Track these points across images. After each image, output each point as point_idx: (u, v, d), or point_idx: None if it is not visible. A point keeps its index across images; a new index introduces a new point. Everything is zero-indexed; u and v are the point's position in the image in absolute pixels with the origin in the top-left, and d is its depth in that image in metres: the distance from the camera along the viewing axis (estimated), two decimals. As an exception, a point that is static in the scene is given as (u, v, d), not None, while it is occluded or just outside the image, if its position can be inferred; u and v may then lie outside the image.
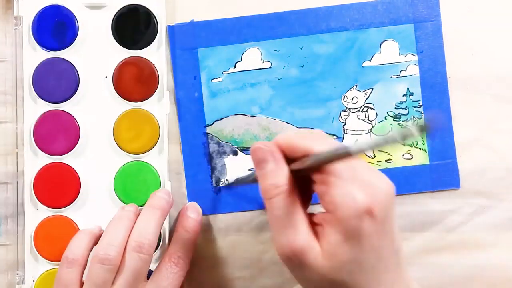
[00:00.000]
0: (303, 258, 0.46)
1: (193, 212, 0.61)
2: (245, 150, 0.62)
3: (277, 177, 0.47)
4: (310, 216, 0.48)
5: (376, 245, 0.45)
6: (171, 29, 0.62)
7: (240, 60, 0.62)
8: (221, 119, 0.62)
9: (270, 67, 0.62)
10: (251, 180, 0.56)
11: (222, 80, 0.62)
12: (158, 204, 0.58)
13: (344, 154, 0.43)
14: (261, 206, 0.62)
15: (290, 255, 0.46)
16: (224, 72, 0.62)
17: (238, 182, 0.61)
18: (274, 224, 0.47)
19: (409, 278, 0.49)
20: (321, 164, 0.45)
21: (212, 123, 0.62)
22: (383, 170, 0.61)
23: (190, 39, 0.62)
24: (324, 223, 0.46)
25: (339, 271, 0.45)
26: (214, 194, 0.62)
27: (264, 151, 0.48)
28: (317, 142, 0.47)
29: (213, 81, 0.62)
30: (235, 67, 0.62)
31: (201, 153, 0.62)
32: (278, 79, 0.62)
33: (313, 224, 0.47)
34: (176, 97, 0.62)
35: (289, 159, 0.48)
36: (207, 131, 0.62)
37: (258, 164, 0.49)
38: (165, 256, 0.58)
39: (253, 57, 0.62)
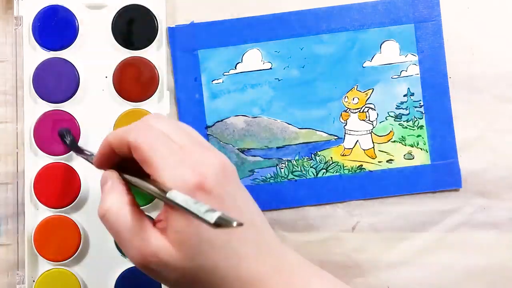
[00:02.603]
0: (159, 260, 0.44)
1: None
2: (246, 151, 0.62)
3: (108, 196, 0.47)
4: (152, 219, 0.47)
5: None
6: (171, 31, 0.62)
7: (240, 61, 0.62)
8: (221, 120, 0.62)
9: (270, 68, 0.62)
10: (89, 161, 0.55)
11: (222, 81, 0.62)
12: None
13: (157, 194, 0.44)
14: (263, 207, 0.61)
15: (145, 263, 0.45)
16: (224, 73, 0.62)
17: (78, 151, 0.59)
18: (118, 240, 0.46)
19: (281, 247, 0.48)
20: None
21: (213, 124, 0.62)
22: (384, 170, 0.61)
23: (191, 41, 0.62)
24: (166, 216, 0.45)
25: (194, 257, 0.44)
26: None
27: (103, 176, 0.49)
28: (132, 134, 0.46)
29: (213, 82, 0.62)
30: (235, 68, 0.62)
31: (201, 154, 0.62)
32: (279, 80, 0.62)
33: (157, 223, 0.46)
34: (177, 99, 0.62)
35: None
36: (207, 132, 0.62)
37: (101, 188, 0.49)
38: None
39: (253, 58, 0.62)
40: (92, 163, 0.53)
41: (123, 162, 0.49)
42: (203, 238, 0.43)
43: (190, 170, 0.44)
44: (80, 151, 0.59)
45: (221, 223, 0.37)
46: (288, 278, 0.46)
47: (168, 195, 0.42)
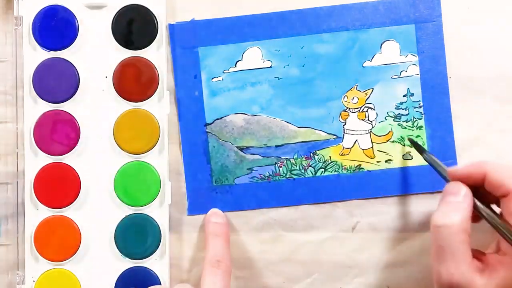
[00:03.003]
0: None
1: (218, 217, 0.61)
2: (244, 149, 0.62)
3: (454, 213, 0.50)
4: (475, 252, 0.51)
5: None
6: (171, 28, 0.62)
7: (240, 59, 0.62)
8: (221, 118, 0.62)
9: (270, 67, 0.62)
10: (438, 172, 0.57)
11: (222, 79, 0.62)
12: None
13: None
14: (261, 205, 0.62)
15: (446, 287, 0.49)
16: (224, 71, 0.62)
17: (430, 161, 0.59)
18: (436, 253, 0.50)
19: None
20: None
21: (212, 122, 0.62)
22: (383, 170, 0.61)
23: (191, 38, 0.62)
24: (497, 264, 0.50)
25: None
26: (214, 193, 0.62)
27: (455, 186, 0.52)
28: None
29: (213, 80, 0.62)
30: (235, 66, 0.62)
31: (200, 152, 0.62)
32: (279, 79, 0.62)
33: (480, 261, 0.50)
34: (177, 96, 0.62)
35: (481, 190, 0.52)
36: (207, 130, 0.62)
37: (444, 193, 0.53)
38: (204, 265, 0.57)
39: (253, 56, 0.62)
40: (439, 171, 0.56)
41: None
42: None
43: None
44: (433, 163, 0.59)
45: None
46: None
47: None
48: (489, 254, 0.52)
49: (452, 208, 0.51)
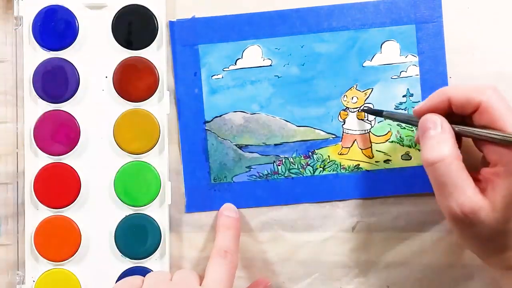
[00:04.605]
0: (475, 217, 0.49)
1: (231, 212, 0.61)
2: (243, 147, 0.62)
3: (441, 145, 0.51)
4: (471, 174, 0.50)
5: None
6: (172, 25, 0.62)
7: (240, 57, 0.62)
8: (220, 116, 0.62)
9: (270, 65, 0.62)
10: (402, 120, 0.58)
11: (222, 77, 0.62)
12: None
13: None
14: (259, 203, 0.62)
15: (461, 217, 0.49)
16: (224, 69, 0.62)
17: (393, 116, 0.59)
18: (439, 189, 0.51)
19: None
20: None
21: (211, 120, 0.62)
22: (381, 170, 0.61)
23: (191, 35, 0.62)
24: (493, 177, 0.50)
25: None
26: (212, 191, 0.62)
27: (429, 119, 0.52)
28: (492, 98, 0.51)
29: (213, 77, 0.62)
30: (235, 64, 0.62)
31: (199, 149, 0.62)
32: (279, 77, 0.62)
33: (477, 180, 0.51)
34: (176, 93, 0.62)
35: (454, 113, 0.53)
36: (206, 128, 0.62)
37: (422, 130, 0.52)
38: (212, 253, 0.57)
39: (253, 54, 0.62)
40: (407, 120, 0.57)
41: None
42: None
43: None
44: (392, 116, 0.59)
45: None
46: None
47: None
48: (483, 170, 0.52)
49: (437, 140, 0.51)
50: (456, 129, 0.52)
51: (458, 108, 0.52)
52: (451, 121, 0.52)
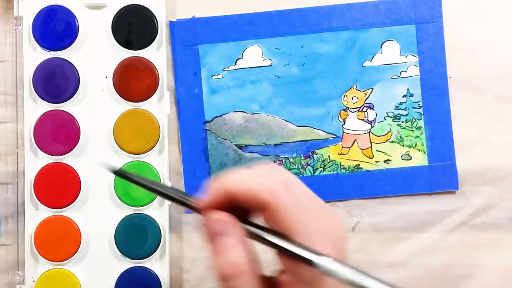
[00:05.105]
0: None
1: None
2: (243, 147, 0.62)
3: (237, 255, 0.41)
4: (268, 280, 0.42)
5: None
6: (172, 25, 0.62)
7: (241, 57, 0.62)
8: (220, 116, 0.62)
9: (270, 65, 0.62)
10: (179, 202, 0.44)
11: (222, 77, 0.62)
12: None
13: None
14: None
15: None
16: (224, 69, 0.62)
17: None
18: None
19: None
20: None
21: (212, 120, 0.62)
22: (381, 170, 0.61)
23: (191, 35, 0.62)
24: (285, 285, 0.42)
25: None
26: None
27: (220, 223, 0.41)
28: (280, 198, 0.40)
29: (213, 77, 0.62)
30: (235, 64, 0.62)
31: (199, 149, 0.62)
32: (279, 77, 0.62)
33: (281, 274, 0.42)
34: (176, 93, 0.62)
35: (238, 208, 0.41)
36: (206, 128, 0.62)
37: (212, 237, 0.41)
38: None
39: (254, 54, 0.62)
40: (187, 205, 0.43)
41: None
42: None
43: (326, 241, 0.40)
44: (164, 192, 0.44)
45: None
46: None
47: (319, 261, 0.39)
48: (280, 275, 0.43)
49: (231, 249, 0.41)
50: (247, 228, 0.41)
51: (245, 205, 0.41)
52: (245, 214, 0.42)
